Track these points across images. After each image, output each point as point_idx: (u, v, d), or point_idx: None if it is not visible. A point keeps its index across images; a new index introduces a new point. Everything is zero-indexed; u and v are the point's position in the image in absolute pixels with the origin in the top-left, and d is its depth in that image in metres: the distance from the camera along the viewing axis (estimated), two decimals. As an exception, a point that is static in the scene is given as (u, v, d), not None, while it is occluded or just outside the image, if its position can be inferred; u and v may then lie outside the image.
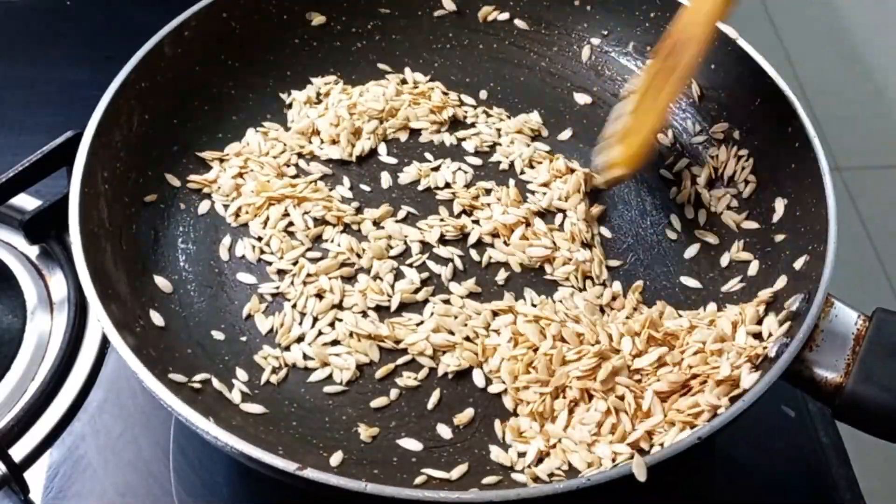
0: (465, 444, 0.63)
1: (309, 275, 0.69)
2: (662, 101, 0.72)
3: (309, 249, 0.70)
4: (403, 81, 0.81)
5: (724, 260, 0.71)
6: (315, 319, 0.67)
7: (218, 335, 0.67)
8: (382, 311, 0.68)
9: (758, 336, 0.64)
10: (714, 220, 0.74)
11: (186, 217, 0.72)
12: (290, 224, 0.71)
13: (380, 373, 0.65)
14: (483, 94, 0.81)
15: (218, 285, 0.69)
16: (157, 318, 0.66)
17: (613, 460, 0.58)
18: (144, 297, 0.67)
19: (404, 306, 0.68)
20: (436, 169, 0.75)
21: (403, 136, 0.77)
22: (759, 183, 0.73)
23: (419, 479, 0.59)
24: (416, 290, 0.68)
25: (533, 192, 0.74)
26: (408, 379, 0.65)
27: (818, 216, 0.66)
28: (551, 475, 0.59)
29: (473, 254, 0.71)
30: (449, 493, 0.55)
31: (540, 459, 0.61)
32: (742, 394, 0.58)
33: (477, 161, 0.76)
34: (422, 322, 0.67)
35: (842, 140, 1.56)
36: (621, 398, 0.61)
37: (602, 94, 0.81)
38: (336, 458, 0.60)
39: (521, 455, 0.61)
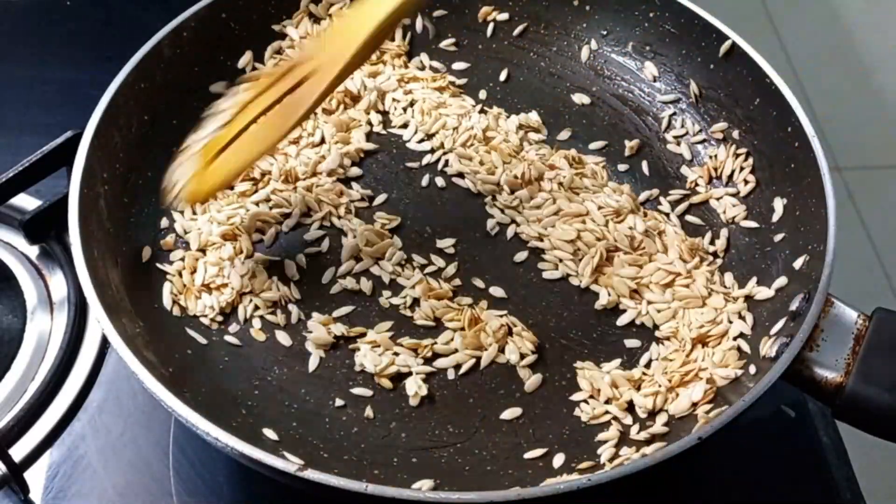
0: (465, 444, 0.63)
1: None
2: (268, 138, 0.66)
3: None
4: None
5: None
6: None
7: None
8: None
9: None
10: (713, 220, 0.74)
11: (186, 217, 0.72)
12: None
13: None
14: (482, 94, 0.81)
15: (218, 285, 0.69)
16: (157, 318, 0.66)
17: None
18: (144, 297, 0.67)
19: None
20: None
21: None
22: (759, 182, 0.73)
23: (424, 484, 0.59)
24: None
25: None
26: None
27: (818, 216, 0.66)
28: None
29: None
30: (449, 494, 0.55)
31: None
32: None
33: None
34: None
35: (842, 140, 1.56)
36: None
37: (601, 94, 0.81)
38: (336, 459, 0.61)
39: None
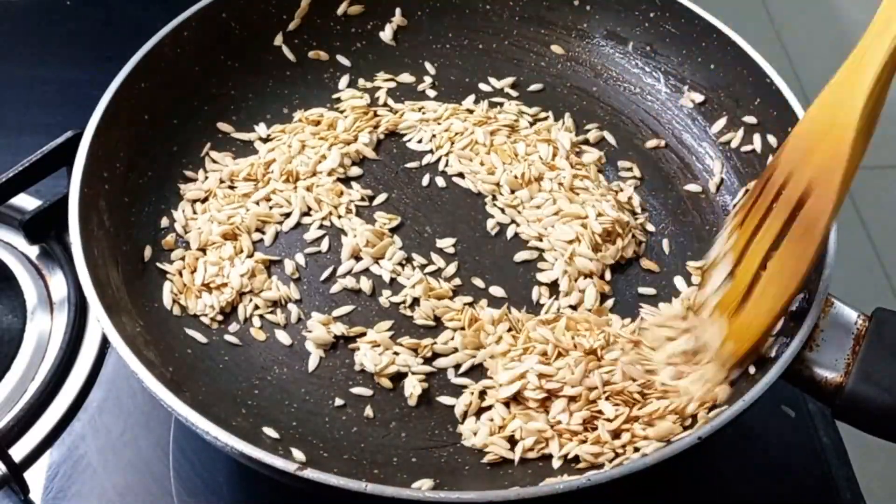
0: (465, 443, 0.63)
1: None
2: (796, 273, 0.58)
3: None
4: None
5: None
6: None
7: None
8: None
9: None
10: (713, 219, 0.74)
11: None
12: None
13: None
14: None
15: (218, 285, 0.69)
16: (157, 318, 0.66)
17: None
18: (144, 296, 0.67)
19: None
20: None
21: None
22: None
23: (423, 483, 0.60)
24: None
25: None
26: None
27: (818, 216, 0.66)
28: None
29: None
30: (449, 494, 0.55)
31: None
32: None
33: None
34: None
35: (842, 140, 1.56)
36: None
37: (601, 93, 0.81)
38: (336, 458, 0.61)
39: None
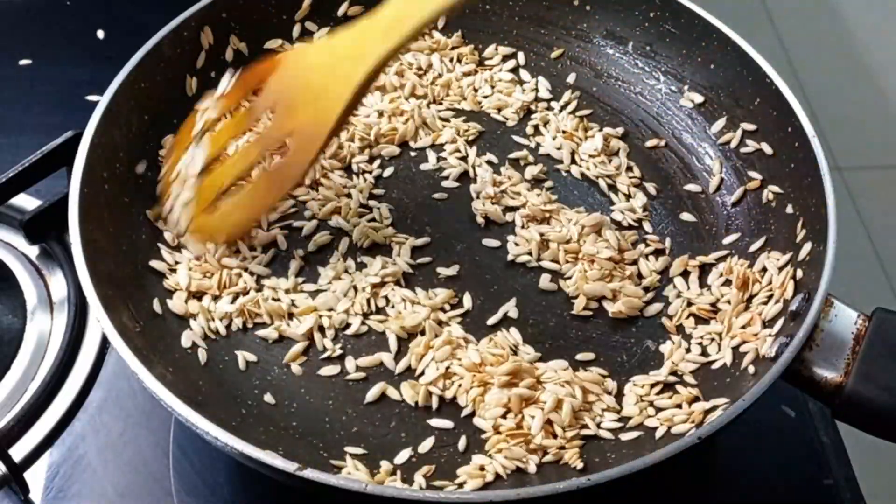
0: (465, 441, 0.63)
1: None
2: (262, 203, 0.66)
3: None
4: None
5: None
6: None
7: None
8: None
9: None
10: (709, 219, 0.74)
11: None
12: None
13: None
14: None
15: (218, 285, 0.69)
16: (157, 318, 0.66)
17: None
18: (144, 296, 0.67)
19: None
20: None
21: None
22: (759, 183, 0.73)
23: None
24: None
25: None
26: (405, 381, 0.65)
27: (818, 216, 0.66)
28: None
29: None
30: (449, 494, 0.55)
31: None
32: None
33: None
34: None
35: (842, 140, 1.56)
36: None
37: (601, 94, 0.81)
38: (336, 458, 0.61)
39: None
